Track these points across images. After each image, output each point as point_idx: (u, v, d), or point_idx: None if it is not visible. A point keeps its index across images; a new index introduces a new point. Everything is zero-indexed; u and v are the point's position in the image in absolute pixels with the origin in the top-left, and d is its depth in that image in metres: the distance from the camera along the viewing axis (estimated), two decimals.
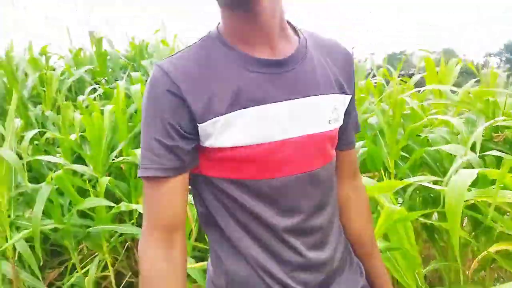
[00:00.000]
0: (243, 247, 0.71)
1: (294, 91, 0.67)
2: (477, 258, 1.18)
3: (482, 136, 1.63)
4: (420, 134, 1.86)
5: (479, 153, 1.37)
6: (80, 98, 2.40)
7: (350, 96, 0.77)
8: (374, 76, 3.02)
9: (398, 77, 2.70)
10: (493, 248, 1.16)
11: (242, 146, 0.65)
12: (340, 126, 0.76)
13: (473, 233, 1.43)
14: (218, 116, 0.64)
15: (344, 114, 0.76)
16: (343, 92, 0.74)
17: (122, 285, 2.11)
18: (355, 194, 0.86)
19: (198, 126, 0.65)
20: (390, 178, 1.80)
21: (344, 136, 0.80)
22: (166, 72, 0.65)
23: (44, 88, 2.68)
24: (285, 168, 0.68)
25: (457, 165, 1.05)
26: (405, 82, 2.55)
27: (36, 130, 2.01)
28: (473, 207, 1.31)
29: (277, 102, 0.65)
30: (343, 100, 0.74)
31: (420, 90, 2.03)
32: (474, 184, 1.12)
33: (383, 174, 1.74)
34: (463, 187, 0.87)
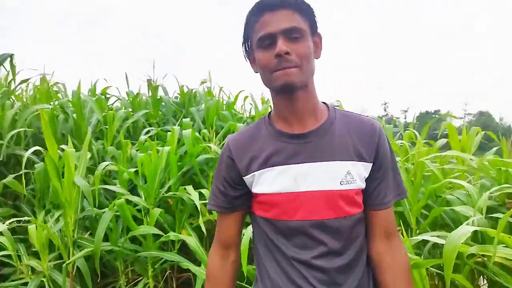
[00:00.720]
0: (269, 268, 0.97)
1: (312, 156, 0.92)
2: None
3: (496, 201, 1.83)
4: (441, 195, 2.06)
5: (490, 215, 1.57)
6: (142, 138, 2.75)
7: (371, 164, 0.92)
8: (401, 136, 3.25)
9: (425, 139, 2.93)
10: None
11: (268, 194, 0.94)
12: (367, 189, 0.94)
13: None
14: (254, 171, 0.95)
15: (370, 180, 0.94)
16: (361, 159, 0.92)
17: None
18: (390, 254, 0.95)
19: (243, 179, 0.97)
20: (411, 234, 1.98)
21: (371, 198, 0.95)
22: (228, 143, 1.01)
23: (106, 126, 3.08)
24: (299, 214, 0.90)
25: (466, 230, 1.24)
26: (430, 146, 2.77)
27: (107, 163, 2.33)
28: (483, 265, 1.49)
29: (297, 163, 0.92)
30: (360, 166, 0.92)
31: (442, 155, 2.24)
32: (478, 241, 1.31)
33: (403, 229, 1.93)
34: (458, 240, 1.08)
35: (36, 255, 2.19)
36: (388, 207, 0.96)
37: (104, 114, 3.10)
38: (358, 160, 0.92)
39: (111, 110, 3.52)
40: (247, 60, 0.99)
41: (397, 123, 3.49)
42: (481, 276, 1.79)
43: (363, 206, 0.95)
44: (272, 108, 1.02)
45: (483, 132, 2.62)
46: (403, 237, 1.55)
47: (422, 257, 1.70)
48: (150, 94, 3.56)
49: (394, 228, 0.99)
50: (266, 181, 0.93)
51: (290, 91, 0.90)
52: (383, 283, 0.95)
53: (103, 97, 3.83)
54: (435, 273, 1.86)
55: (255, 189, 0.96)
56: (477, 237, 1.56)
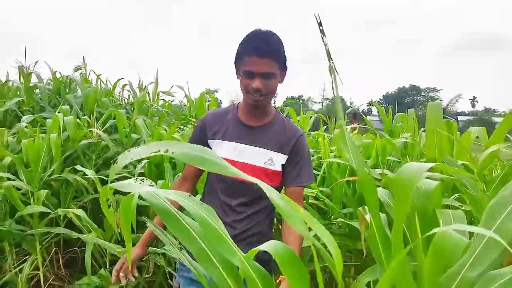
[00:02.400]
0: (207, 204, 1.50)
1: (253, 142, 1.46)
2: None
3: (313, 162, 2.57)
4: None
5: None
6: (22, 124, 2.81)
7: (287, 156, 1.44)
8: None
9: None
10: None
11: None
12: (284, 172, 1.45)
13: None
14: (215, 139, 1.47)
15: (286, 166, 1.45)
16: (281, 151, 1.45)
17: (49, 282, 2.52)
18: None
19: (208, 141, 1.48)
20: None
21: (286, 179, 1.46)
22: (207, 114, 1.55)
23: None
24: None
25: None
26: None
27: None
28: None
29: (242, 144, 1.45)
30: (280, 156, 1.44)
31: None
32: None
33: None
34: None
35: None
36: (294, 185, 1.46)
37: None
38: (279, 152, 1.46)
39: None
40: (235, 67, 1.45)
41: None
42: None
43: (279, 184, 1.48)
44: (241, 101, 1.53)
45: (316, 114, 3.45)
46: None
47: None
48: (22, 81, 3.51)
49: (300, 199, 1.49)
50: (220, 148, 1.45)
51: (256, 107, 1.44)
52: (283, 238, 1.43)
53: None
54: None
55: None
56: None
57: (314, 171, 2.36)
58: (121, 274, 1.35)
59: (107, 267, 2.32)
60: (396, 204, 0.63)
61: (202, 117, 1.55)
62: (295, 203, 0.62)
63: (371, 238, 0.71)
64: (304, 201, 2.12)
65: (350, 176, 1.90)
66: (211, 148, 1.48)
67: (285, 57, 1.42)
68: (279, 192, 1.45)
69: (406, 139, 2.03)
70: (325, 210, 2.19)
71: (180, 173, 1.65)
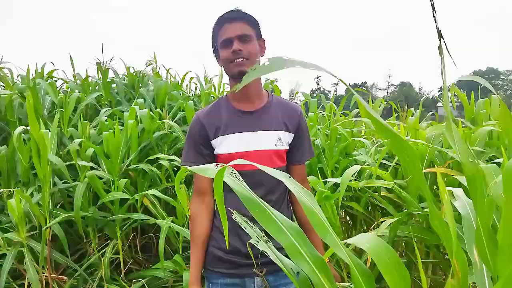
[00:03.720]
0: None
1: (256, 127, 1.39)
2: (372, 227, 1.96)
3: (387, 154, 2.46)
4: (351, 153, 2.67)
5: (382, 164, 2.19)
6: (102, 118, 3.04)
7: (293, 134, 1.41)
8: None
9: (342, 111, 3.57)
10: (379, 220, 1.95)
11: (228, 153, 1.39)
12: (290, 151, 1.41)
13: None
14: (217, 137, 1.39)
15: (292, 144, 1.41)
16: (287, 130, 1.41)
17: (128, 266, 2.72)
18: None
19: (210, 142, 1.40)
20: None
21: (291, 157, 1.44)
22: (198, 115, 1.44)
23: (62, 109, 3.30)
24: (248, 166, 1.37)
25: (355, 168, 1.80)
26: (346, 116, 3.41)
27: (79, 140, 2.63)
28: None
29: (246, 132, 1.39)
30: (287, 135, 1.40)
31: (353, 121, 2.86)
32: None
33: (320, 179, 2.53)
34: (349, 174, 1.64)
35: (3, 230, 2.44)
36: (303, 163, 1.47)
37: (59, 97, 3.30)
38: (285, 131, 1.42)
39: (60, 93, 3.70)
40: (215, 56, 1.43)
41: (329, 97, 4.09)
42: (378, 211, 2.44)
43: (286, 162, 1.44)
44: (229, 93, 1.49)
45: (385, 102, 3.29)
46: (322, 184, 2.11)
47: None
48: (100, 76, 3.79)
49: (305, 178, 1.51)
50: (226, 145, 1.38)
51: (242, 77, 1.37)
52: (297, 213, 1.49)
53: (53, 80, 3.96)
54: (343, 212, 2.49)
55: (217, 151, 1.40)
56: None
57: (386, 162, 2.25)
58: None
59: (181, 253, 2.43)
60: (507, 198, 0.57)
61: (193, 121, 1.43)
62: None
63: (477, 239, 0.65)
64: (376, 194, 2.04)
65: (428, 167, 1.78)
66: (214, 149, 1.41)
67: (258, 24, 1.37)
68: (286, 172, 1.42)
69: (493, 127, 1.85)
70: (398, 204, 2.08)
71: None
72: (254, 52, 1.33)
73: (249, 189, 0.74)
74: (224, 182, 1.39)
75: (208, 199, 1.44)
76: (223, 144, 1.38)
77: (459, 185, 1.64)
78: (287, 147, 1.42)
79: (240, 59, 1.31)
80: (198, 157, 1.41)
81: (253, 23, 1.35)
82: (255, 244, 0.72)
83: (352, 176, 1.75)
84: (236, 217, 0.90)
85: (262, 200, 0.70)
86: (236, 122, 1.39)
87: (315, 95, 4.43)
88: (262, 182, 1.36)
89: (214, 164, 0.70)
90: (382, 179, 1.79)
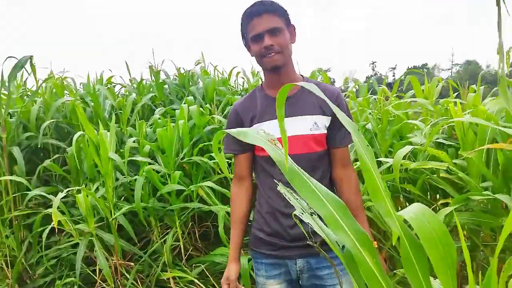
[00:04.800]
0: (264, 188, 1.45)
1: (290, 113, 1.38)
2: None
3: (445, 133, 2.32)
4: (405, 136, 2.55)
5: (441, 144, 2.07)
6: (156, 116, 3.21)
7: (330, 117, 1.36)
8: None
9: (396, 93, 3.42)
10: (439, 202, 1.85)
11: None
12: (329, 134, 1.37)
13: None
14: (254, 124, 1.41)
15: (331, 128, 1.37)
16: (323, 114, 1.37)
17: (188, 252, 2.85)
18: (346, 177, 1.40)
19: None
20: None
21: (330, 141, 1.40)
22: (235, 106, 1.49)
23: (120, 111, 3.52)
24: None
25: (407, 148, 1.71)
26: (400, 98, 3.25)
27: (134, 139, 2.80)
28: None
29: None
30: (323, 118, 1.37)
31: (406, 101, 2.73)
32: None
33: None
34: (401, 155, 1.56)
35: (75, 222, 2.66)
36: (343, 146, 1.41)
37: (117, 100, 3.53)
38: (322, 114, 1.38)
39: (118, 97, 3.95)
40: (246, 47, 1.45)
41: (376, 82, 3.94)
42: (438, 192, 2.31)
43: (326, 146, 1.41)
44: (263, 80, 1.50)
45: (443, 81, 3.09)
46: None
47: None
48: (153, 78, 3.99)
49: (348, 161, 1.43)
50: (262, 130, 1.40)
51: (276, 71, 1.38)
52: (341, 194, 1.41)
53: (112, 86, 4.24)
54: (402, 198, 2.38)
55: None
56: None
57: (445, 142, 2.12)
58: None
59: None
60: None
61: (231, 111, 1.49)
62: None
63: None
64: (435, 175, 1.93)
65: (490, 143, 1.65)
66: None
67: (286, 12, 1.34)
68: (328, 155, 1.39)
69: None
70: (460, 185, 1.96)
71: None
72: (285, 44, 1.34)
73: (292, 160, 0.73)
74: (263, 169, 1.41)
75: (247, 184, 1.51)
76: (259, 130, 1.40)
77: None
78: (325, 131, 1.38)
79: (272, 54, 1.32)
80: (236, 146, 1.46)
81: (282, 13, 1.34)
82: (299, 216, 0.72)
83: (407, 158, 1.67)
84: (281, 188, 0.90)
85: (302, 170, 0.69)
86: (270, 110, 1.39)
87: (371, 81, 4.26)
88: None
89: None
90: (439, 160, 1.69)
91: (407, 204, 2.56)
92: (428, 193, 2.21)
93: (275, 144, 0.75)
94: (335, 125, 1.39)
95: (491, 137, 1.74)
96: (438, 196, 2.27)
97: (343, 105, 1.40)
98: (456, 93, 3.15)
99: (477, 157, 1.60)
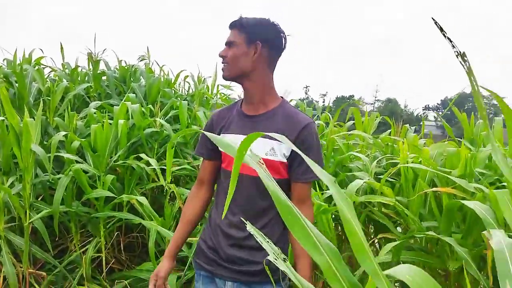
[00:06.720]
0: (216, 198, 1.47)
1: (252, 131, 1.33)
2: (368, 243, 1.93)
3: (384, 168, 2.44)
4: (346, 165, 2.64)
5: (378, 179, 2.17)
6: (92, 110, 2.92)
7: (290, 148, 1.26)
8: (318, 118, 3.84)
9: (338, 121, 3.56)
10: (378, 236, 1.91)
11: (222, 152, 1.43)
12: (290, 165, 1.31)
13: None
14: (221, 133, 1.41)
15: (291, 159, 1.31)
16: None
17: (109, 265, 2.60)
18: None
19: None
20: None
21: (291, 173, 1.33)
22: (212, 114, 1.49)
23: (48, 97, 3.15)
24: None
25: (357, 182, 1.76)
26: (341, 126, 3.39)
27: (64, 133, 2.50)
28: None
29: (241, 135, 1.37)
30: (283, 147, 1.31)
31: (349, 134, 2.84)
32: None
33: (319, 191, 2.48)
34: (352, 190, 1.59)
35: None
36: (302, 182, 1.33)
37: (46, 85, 3.16)
38: (281, 141, 1.34)
39: (47, 82, 3.55)
40: None
41: (316, 107, 4.07)
42: (371, 225, 2.41)
43: (285, 175, 1.34)
44: None
45: (381, 117, 3.28)
46: (318, 196, 2.06)
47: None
48: (91, 67, 3.65)
49: (306, 198, 1.36)
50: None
51: (231, 81, 1.43)
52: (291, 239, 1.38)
53: (41, 67, 3.81)
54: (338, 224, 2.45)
55: (220, 148, 1.41)
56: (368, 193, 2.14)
57: (388, 179, 2.22)
58: None
59: None
60: None
61: (210, 116, 1.54)
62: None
63: None
64: (375, 208, 2.01)
65: (432, 186, 1.76)
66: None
67: (254, 29, 1.35)
68: (288, 185, 1.34)
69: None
70: (395, 220, 2.05)
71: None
72: (233, 57, 1.35)
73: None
74: (222, 183, 1.37)
75: (205, 190, 1.52)
76: None
77: (462, 207, 1.62)
78: (283, 160, 1.33)
79: (224, 64, 1.38)
80: (204, 150, 1.48)
81: (244, 29, 1.35)
82: (273, 262, 0.66)
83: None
84: (250, 227, 0.83)
85: (296, 209, 0.64)
86: (237, 124, 1.40)
87: (305, 105, 4.38)
88: (245, 188, 1.35)
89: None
90: (382, 195, 1.75)
91: (340, 229, 2.63)
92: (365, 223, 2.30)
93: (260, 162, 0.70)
94: (295, 158, 1.33)
95: (430, 178, 1.86)
96: (369, 228, 2.37)
97: (309, 138, 1.33)
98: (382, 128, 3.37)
99: (418, 198, 1.70)
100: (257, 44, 1.34)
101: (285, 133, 1.31)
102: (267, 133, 1.21)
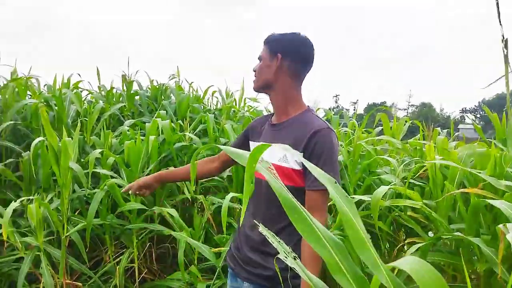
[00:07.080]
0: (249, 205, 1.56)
1: (272, 139, 1.44)
2: (397, 247, 1.87)
3: (413, 172, 2.37)
4: (374, 170, 2.59)
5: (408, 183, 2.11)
6: (125, 128, 3.07)
7: (301, 152, 1.25)
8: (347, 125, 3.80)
9: (365, 128, 3.50)
10: (406, 241, 1.86)
11: None
12: (304, 172, 1.31)
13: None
14: (251, 141, 1.54)
15: (304, 167, 1.30)
16: (296, 148, 1.28)
17: (142, 275, 2.68)
18: None
19: (249, 142, 1.57)
20: None
21: (304, 181, 1.32)
22: (252, 121, 1.63)
23: (86, 118, 3.35)
24: (257, 173, 1.38)
25: (386, 187, 1.72)
26: (369, 133, 3.33)
27: (100, 150, 2.64)
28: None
29: (263, 142, 1.38)
30: (294, 152, 1.34)
31: (376, 139, 2.79)
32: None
33: None
34: (379, 195, 1.56)
35: (21, 234, 2.44)
36: (311, 189, 1.30)
37: (84, 107, 3.36)
38: (294, 148, 1.36)
39: (84, 104, 3.77)
40: None
41: (343, 115, 4.03)
42: (402, 230, 2.34)
43: (300, 183, 1.32)
44: None
45: (410, 121, 3.20)
46: None
47: None
48: (125, 88, 3.85)
49: (317, 207, 1.29)
50: (249, 149, 1.46)
51: (257, 92, 1.56)
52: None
53: (79, 91, 4.05)
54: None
55: None
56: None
57: (414, 182, 2.16)
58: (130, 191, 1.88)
59: (196, 264, 2.39)
60: None
61: (251, 122, 1.68)
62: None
63: None
64: (402, 212, 1.95)
65: (460, 187, 1.70)
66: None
67: (277, 43, 1.43)
68: (302, 193, 1.30)
69: None
70: (424, 224, 1.99)
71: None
72: (260, 69, 1.47)
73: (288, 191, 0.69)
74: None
75: (217, 164, 1.75)
76: (250, 147, 1.54)
77: (492, 208, 1.55)
78: (297, 167, 1.33)
79: (255, 77, 1.51)
80: (238, 145, 1.63)
81: (270, 43, 1.47)
82: (283, 260, 0.67)
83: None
84: (263, 229, 0.85)
85: (302, 207, 0.65)
86: (263, 132, 1.52)
87: (333, 113, 4.36)
88: (257, 193, 1.42)
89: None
90: (409, 199, 1.71)
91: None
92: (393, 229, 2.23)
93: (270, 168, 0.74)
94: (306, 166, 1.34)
95: (459, 181, 1.79)
96: (400, 234, 2.30)
97: (319, 144, 1.31)
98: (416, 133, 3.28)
99: (447, 200, 1.64)
100: (278, 57, 1.42)
101: (298, 139, 1.34)
102: (273, 143, 1.26)
